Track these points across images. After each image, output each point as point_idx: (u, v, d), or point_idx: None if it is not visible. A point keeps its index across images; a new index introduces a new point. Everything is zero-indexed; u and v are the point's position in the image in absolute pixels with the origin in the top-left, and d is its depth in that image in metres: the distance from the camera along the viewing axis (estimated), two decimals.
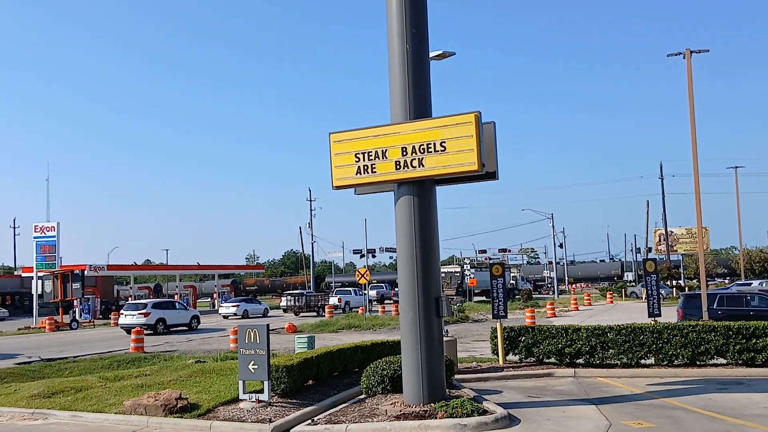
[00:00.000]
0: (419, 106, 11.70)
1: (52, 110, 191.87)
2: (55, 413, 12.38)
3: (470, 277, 59.02)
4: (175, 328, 36.88)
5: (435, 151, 11.24)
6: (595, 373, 14.86)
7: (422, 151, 11.33)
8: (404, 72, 11.70)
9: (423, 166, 11.33)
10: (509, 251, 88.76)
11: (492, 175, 11.71)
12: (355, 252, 76.42)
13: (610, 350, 15.03)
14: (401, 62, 11.73)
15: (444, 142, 11.18)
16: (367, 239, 57.04)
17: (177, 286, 67.10)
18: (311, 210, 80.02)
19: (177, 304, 40.44)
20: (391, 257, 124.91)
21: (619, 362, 15.04)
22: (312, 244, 79.63)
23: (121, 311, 38.00)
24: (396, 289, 67.35)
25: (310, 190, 79.97)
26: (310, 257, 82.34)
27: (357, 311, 47.14)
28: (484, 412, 10.66)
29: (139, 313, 35.48)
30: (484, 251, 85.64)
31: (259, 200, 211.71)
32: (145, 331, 30.34)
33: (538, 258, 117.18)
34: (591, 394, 12.80)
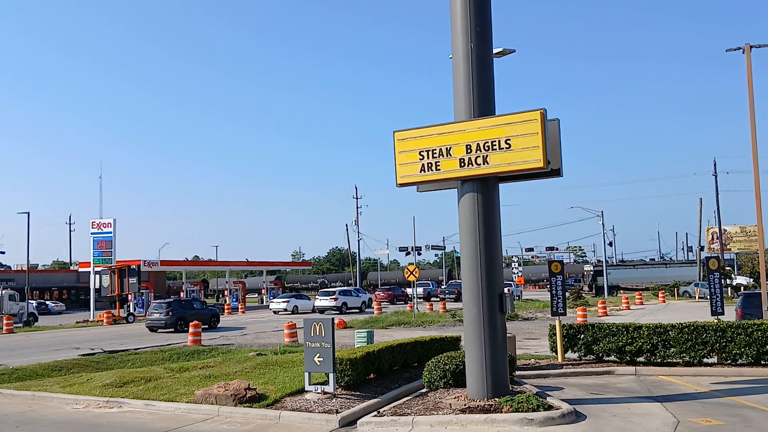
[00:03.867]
0: (483, 104, 11.80)
1: (108, 103, 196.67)
2: (129, 402, 12.86)
3: (518, 275, 58.70)
4: (350, 310, 47.62)
5: (500, 148, 11.32)
6: (657, 372, 14.76)
7: (486, 148, 11.43)
8: (468, 70, 11.81)
9: (487, 163, 11.43)
10: (556, 249, 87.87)
11: (557, 172, 11.75)
12: (401, 249, 76.83)
13: (672, 348, 14.90)
14: (465, 60, 11.84)
15: (509, 139, 11.26)
16: (414, 237, 57.18)
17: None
18: (357, 208, 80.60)
19: (353, 291, 53.04)
20: (436, 255, 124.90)
21: (681, 361, 14.91)
22: (358, 241, 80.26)
23: (317, 296, 50.40)
24: (442, 287, 67.51)
25: (356, 188, 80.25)
26: (356, 254, 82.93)
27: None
28: (550, 407, 10.72)
29: (330, 298, 48.17)
30: (531, 249, 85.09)
31: (306, 197, 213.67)
32: (333, 312, 45.78)
33: (586, 256, 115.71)
34: (654, 392, 12.74)
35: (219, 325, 36.87)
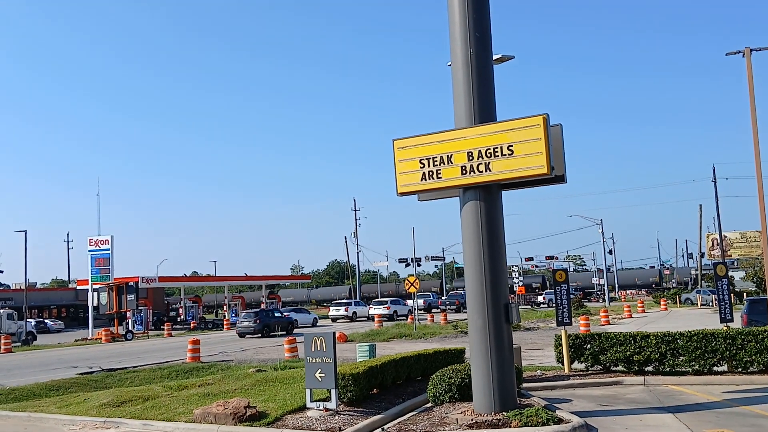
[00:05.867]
0: (484, 110, 11.55)
1: (103, 123, 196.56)
2: (126, 422, 12.49)
3: (519, 285, 58.36)
4: (399, 317, 52.13)
5: (502, 155, 11.07)
6: (666, 381, 14.45)
7: (489, 155, 11.18)
8: (468, 76, 11.57)
9: (490, 170, 11.17)
10: (556, 258, 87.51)
11: (561, 179, 11.49)
12: (401, 261, 76.46)
13: (681, 357, 14.60)
14: (465, 66, 11.60)
15: (511, 145, 11.01)
16: (414, 248, 56.87)
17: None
18: (356, 220, 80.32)
19: (400, 301, 57.88)
20: (436, 266, 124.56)
21: (690, 369, 14.59)
22: (357, 254, 79.91)
23: (370, 304, 56.13)
24: (442, 298, 67.12)
25: (354, 200, 80.00)
26: (356, 267, 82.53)
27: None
28: (559, 420, 10.41)
29: (383, 307, 53.38)
30: (531, 258, 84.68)
31: (304, 210, 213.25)
32: (385, 320, 48.68)
33: (585, 265, 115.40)
34: (665, 402, 12.43)
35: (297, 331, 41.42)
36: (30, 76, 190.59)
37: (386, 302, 54.98)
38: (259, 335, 39.49)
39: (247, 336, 39.58)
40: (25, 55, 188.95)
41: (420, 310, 56.43)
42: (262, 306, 70.73)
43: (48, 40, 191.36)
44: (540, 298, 64.02)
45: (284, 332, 41.07)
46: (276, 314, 43.75)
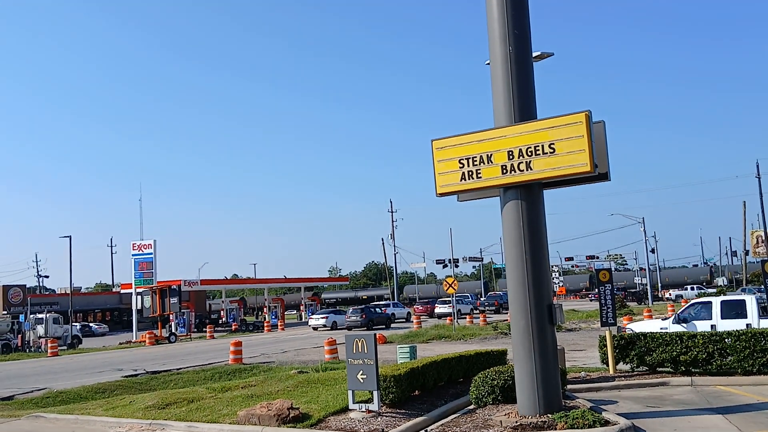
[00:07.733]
0: (524, 109, 11.42)
1: (148, 117, 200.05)
2: (172, 424, 12.65)
3: (560, 285, 57.66)
4: (462, 316, 50.18)
5: (543, 153, 10.93)
6: (714, 382, 14.12)
7: (529, 153, 11.05)
8: (507, 74, 11.46)
9: (531, 169, 11.04)
10: (597, 258, 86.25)
11: (604, 176, 11.31)
12: (438, 262, 76.18)
13: (729, 357, 14.25)
14: (504, 64, 11.49)
15: (553, 143, 10.86)
16: (452, 249, 56.71)
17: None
18: (393, 221, 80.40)
19: (463, 299, 59.39)
20: (474, 267, 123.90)
21: (739, 369, 14.23)
22: (395, 255, 79.92)
23: (436, 304, 57.70)
24: (481, 299, 66.70)
25: (391, 202, 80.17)
26: (393, 268, 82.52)
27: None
28: (606, 422, 10.23)
29: (448, 306, 52.37)
30: (571, 258, 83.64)
31: (342, 212, 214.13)
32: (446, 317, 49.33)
33: (627, 264, 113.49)
34: (714, 404, 12.14)
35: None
36: (88, 72, 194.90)
37: (450, 301, 55.06)
38: (365, 328, 44.65)
39: (353, 329, 44.76)
40: (75, 50, 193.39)
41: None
42: (302, 308, 71.48)
43: (97, 35, 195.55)
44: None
45: (384, 326, 46.82)
46: (377, 310, 50.20)
